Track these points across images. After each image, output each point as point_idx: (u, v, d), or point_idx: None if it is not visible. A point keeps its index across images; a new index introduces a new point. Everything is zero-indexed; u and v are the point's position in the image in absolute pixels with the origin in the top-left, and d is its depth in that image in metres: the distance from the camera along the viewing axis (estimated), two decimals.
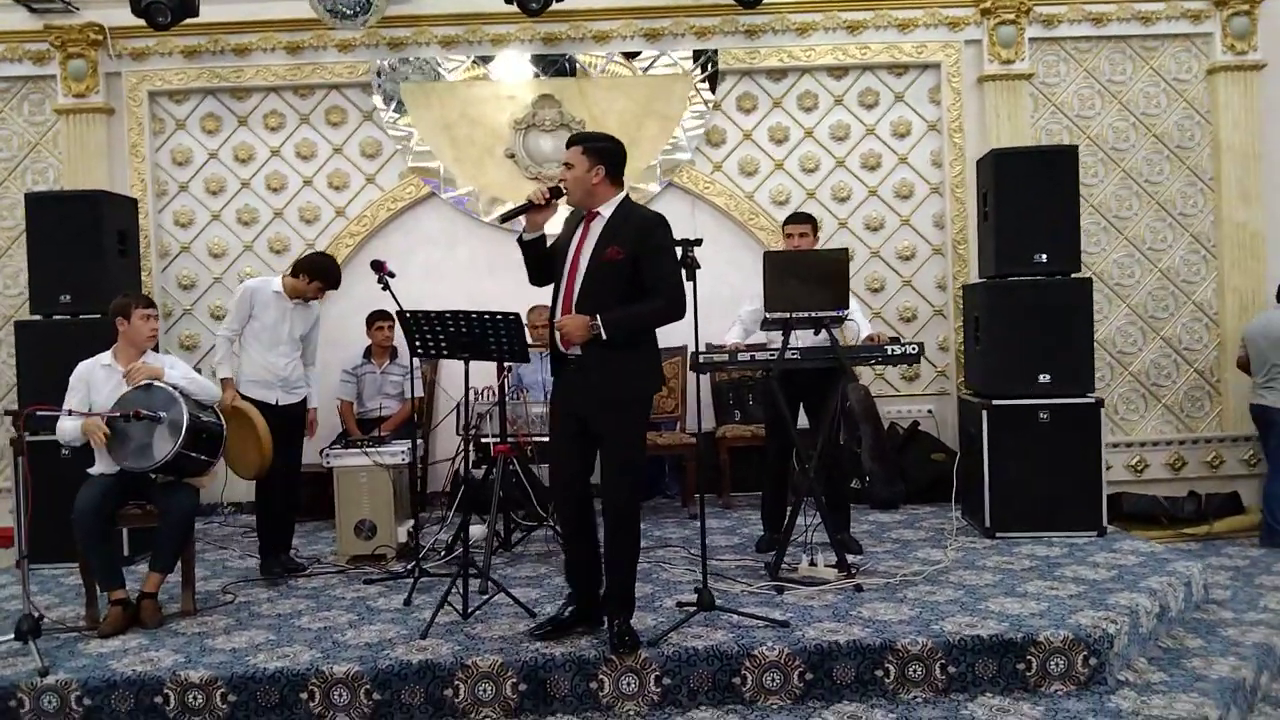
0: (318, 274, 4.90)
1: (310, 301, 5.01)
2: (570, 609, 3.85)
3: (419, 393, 6.36)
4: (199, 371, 4.79)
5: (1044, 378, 5.26)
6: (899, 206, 6.91)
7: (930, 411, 6.81)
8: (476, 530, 5.10)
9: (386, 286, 4.65)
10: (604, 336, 3.53)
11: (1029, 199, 5.34)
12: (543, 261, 3.78)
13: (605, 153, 3.66)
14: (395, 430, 5.92)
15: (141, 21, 6.17)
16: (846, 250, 4.67)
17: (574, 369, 3.66)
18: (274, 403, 4.88)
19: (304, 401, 5.08)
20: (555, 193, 3.67)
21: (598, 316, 3.53)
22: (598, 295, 3.59)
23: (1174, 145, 6.87)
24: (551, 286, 3.76)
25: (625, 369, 3.60)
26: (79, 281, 5.43)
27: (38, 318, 5.54)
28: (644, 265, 3.58)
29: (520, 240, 3.75)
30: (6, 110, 6.76)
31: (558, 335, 3.64)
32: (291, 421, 4.99)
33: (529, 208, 3.69)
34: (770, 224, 6.78)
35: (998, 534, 5.22)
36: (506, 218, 3.92)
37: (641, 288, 3.59)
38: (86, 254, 5.45)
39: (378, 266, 4.67)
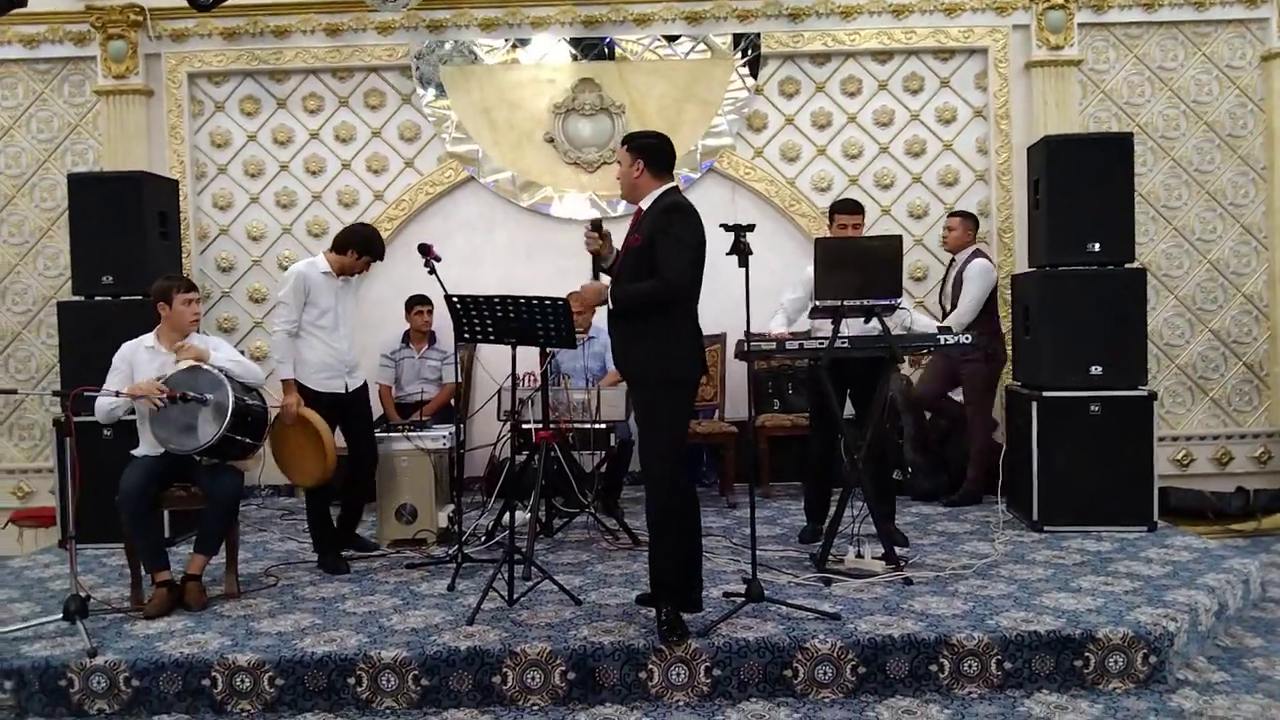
0: (367, 248, 4.71)
1: (351, 280, 4.84)
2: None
3: (456, 379, 6.31)
4: (242, 354, 4.78)
5: (1096, 369, 5.16)
6: (943, 194, 6.80)
7: None
8: (516, 517, 5.07)
9: (433, 270, 4.59)
10: (610, 306, 3.71)
11: (1082, 187, 5.23)
12: None
13: (646, 148, 3.79)
14: (434, 415, 5.89)
15: (181, 2, 6.16)
16: (899, 238, 4.58)
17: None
18: (344, 390, 4.73)
19: (365, 385, 4.94)
20: (596, 225, 3.88)
21: (609, 286, 3.75)
22: (625, 279, 3.73)
23: (1225, 134, 6.72)
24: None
25: (643, 350, 3.69)
26: (120, 262, 5.42)
27: (80, 298, 5.54)
28: (655, 251, 3.65)
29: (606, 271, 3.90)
30: (47, 91, 6.77)
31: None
32: (362, 405, 4.87)
33: (596, 259, 3.89)
34: (812, 210, 6.69)
35: (1045, 528, 5.13)
36: (599, 272, 3.95)
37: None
38: (128, 235, 5.44)
39: (425, 250, 4.61)
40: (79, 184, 5.57)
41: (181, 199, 6.49)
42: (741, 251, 3.85)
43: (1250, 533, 6.06)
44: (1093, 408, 5.14)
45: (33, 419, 6.71)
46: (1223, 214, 6.72)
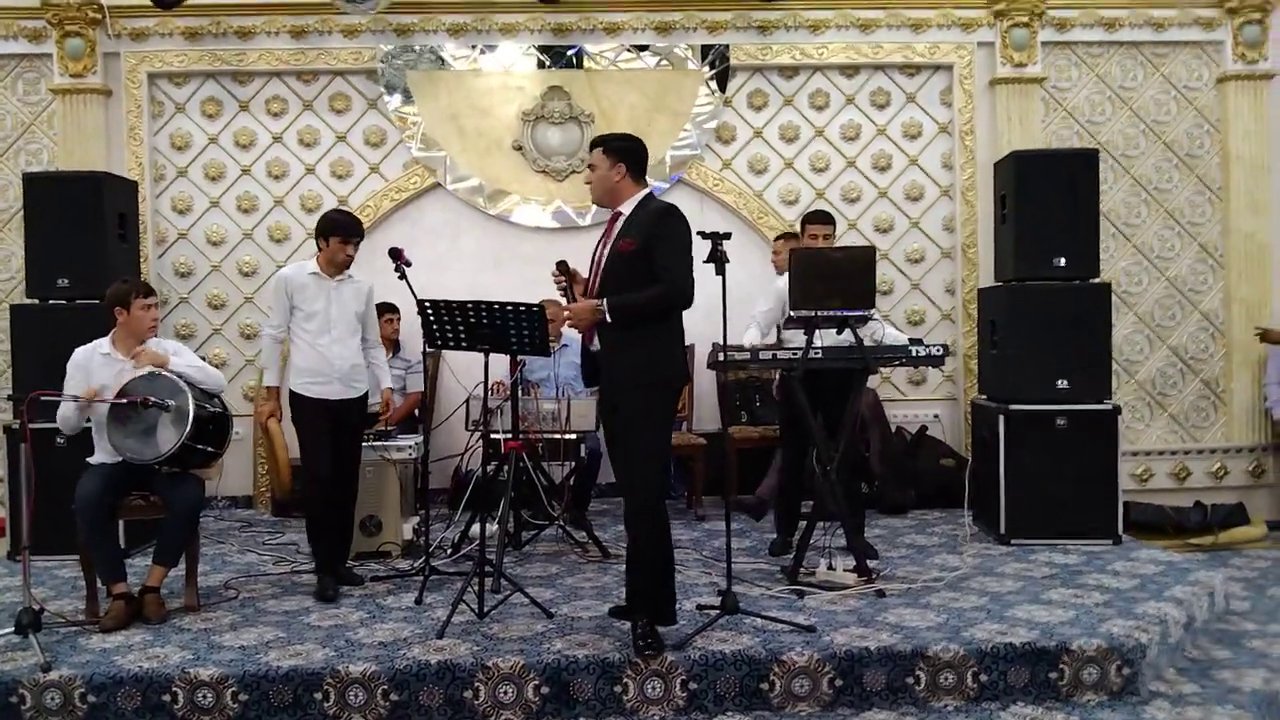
0: (330, 229, 4.42)
1: (354, 278, 4.56)
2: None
3: (421, 387, 6.23)
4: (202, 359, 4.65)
5: (1062, 383, 5.21)
6: (909, 209, 6.86)
7: (937, 416, 6.75)
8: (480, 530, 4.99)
9: (403, 276, 4.51)
10: (608, 319, 3.53)
11: (1048, 202, 5.29)
12: None
13: (626, 151, 3.71)
14: (397, 424, 5.79)
15: (142, 1, 6.02)
16: (873, 249, 4.60)
17: (601, 362, 3.68)
18: (333, 398, 4.43)
19: (365, 397, 4.58)
20: (562, 267, 3.81)
21: (604, 300, 3.55)
22: (613, 288, 3.60)
23: (1183, 153, 6.85)
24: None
25: (636, 353, 3.58)
26: (77, 265, 5.27)
27: (34, 301, 5.37)
28: (652, 254, 3.57)
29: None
30: (0, 90, 6.58)
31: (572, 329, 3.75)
32: (353, 419, 4.53)
33: (568, 293, 3.79)
34: (779, 224, 6.70)
35: (1013, 540, 5.16)
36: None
37: (654, 278, 3.58)
38: (85, 237, 5.29)
39: (396, 254, 4.52)
40: (35, 183, 5.42)
41: (140, 202, 6.35)
42: (719, 260, 3.83)
43: (1209, 547, 6.14)
44: (1059, 421, 5.18)
45: None
46: (1180, 232, 6.85)
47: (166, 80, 6.65)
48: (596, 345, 3.69)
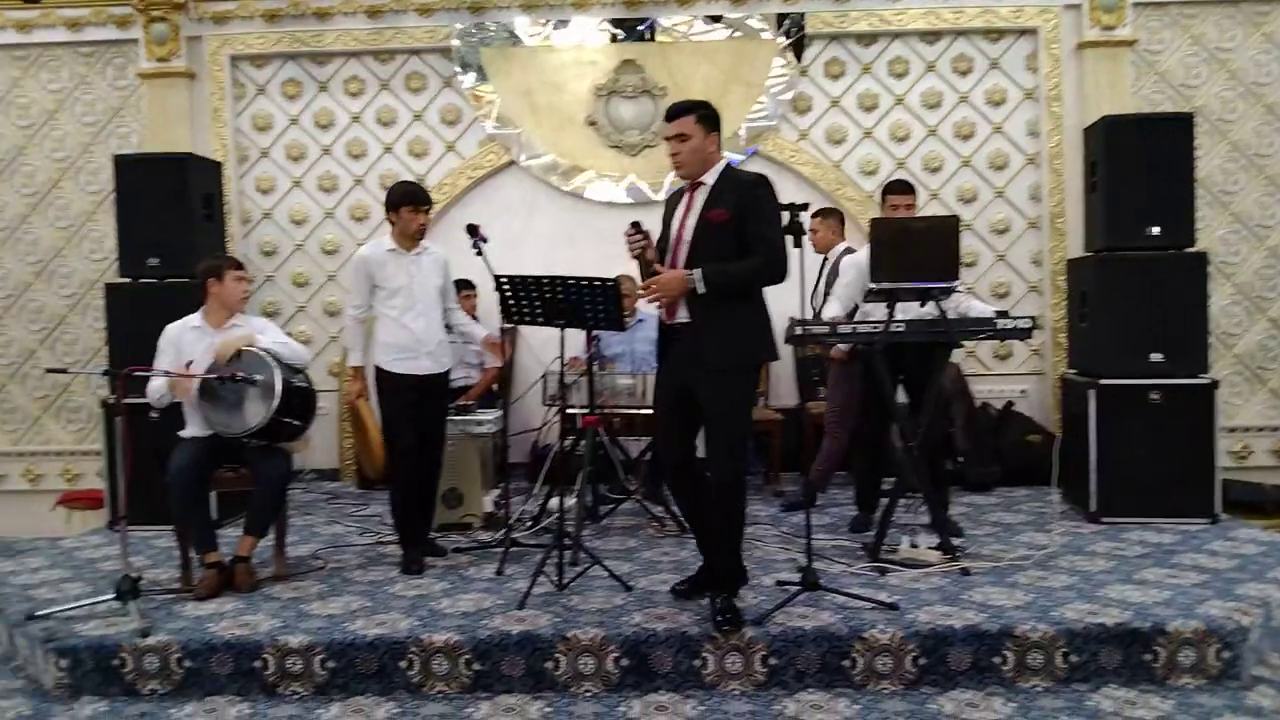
0: (400, 199, 4.39)
1: (430, 249, 4.52)
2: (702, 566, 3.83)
3: (499, 363, 6.26)
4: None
5: (1156, 357, 5.02)
6: (993, 178, 6.66)
7: (1024, 391, 6.58)
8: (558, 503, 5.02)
9: (480, 252, 4.51)
10: (700, 290, 3.43)
11: (1140, 169, 5.08)
12: None
13: (715, 119, 3.60)
14: (477, 399, 5.85)
15: None
16: (956, 218, 4.46)
17: (682, 337, 3.56)
18: (420, 374, 4.40)
19: (448, 372, 4.58)
20: (636, 227, 3.60)
21: (691, 271, 3.44)
22: (704, 259, 3.49)
23: None
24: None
25: (731, 333, 3.49)
26: (166, 245, 5.40)
27: (126, 280, 5.53)
28: (746, 225, 3.48)
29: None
30: (91, 75, 6.78)
31: (658, 303, 3.60)
32: (438, 393, 4.52)
33: (645, 266, 3.61)
34: (858, 194, 6.58)
35: (1103, 519, 5.00)
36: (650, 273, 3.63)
37: (746, 250, 3.49)
38: (173, 217, 5.43)
39: (473, 230, 4.51)
40: (125, 166, 5.55)
41: (224, 183, 6.50)
42: (796, 231, 3.77)
43: None
44: (1152, 396, 5.00)
45: (80, 401, 6.76)
46: None
47: (248, 62, 6.78)
48: (684, 318, 3.54)
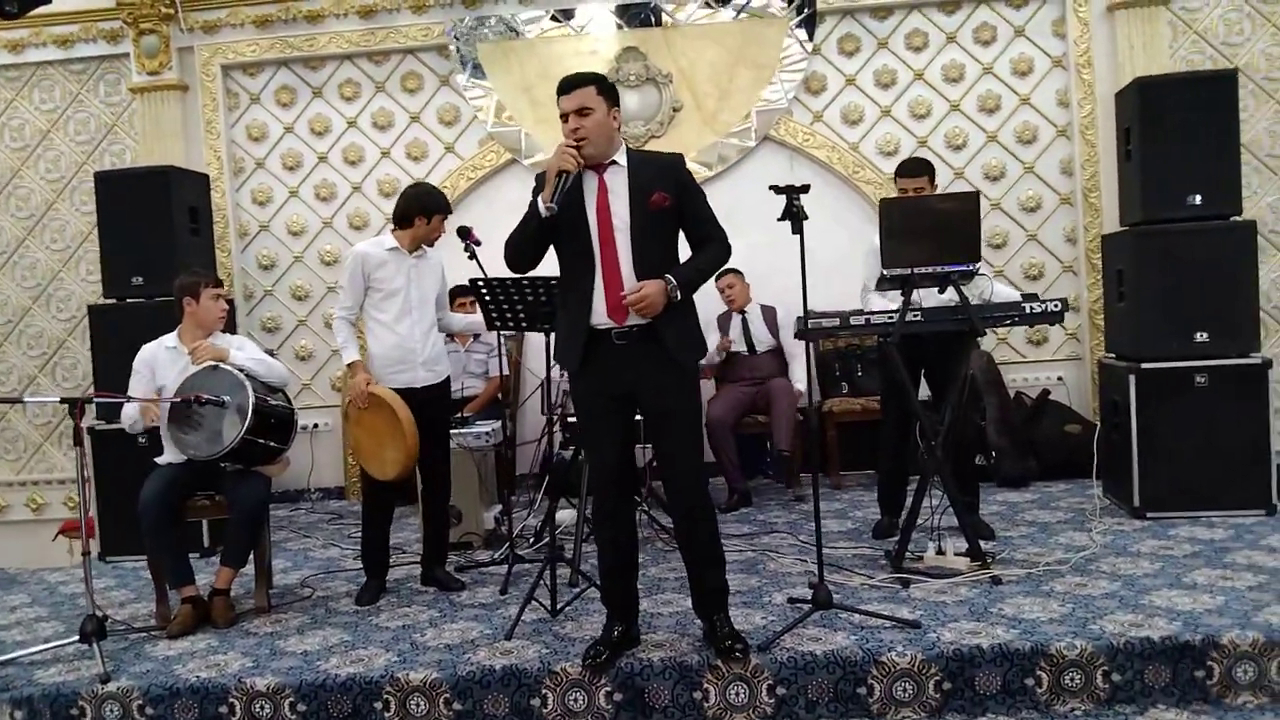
0: (431, 206, 4.11)
1: (429, 254, 4.24)
2: (618, 628, 3.28)
3: (504, 370, 6.00)
4: (271, 354, 4.51)
5: (1201, 336, 4.63)
6: (1021, 153, 6.27)
7: (1061, 379, 6.18)
8: (564, 515, 4.74)
9: (473, 255, 4.22)
10: (678, 298, 3.10)
11: (1179, 134, 4.69)
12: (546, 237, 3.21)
13: (615, 93, 3.20)
14: (480, 411, 5.59)
15: None
16: (976, 195, 4.11)
17: (628, 339, 3.12)
18: (414, 386, 4.12)
19: (447, 381, 4.31)
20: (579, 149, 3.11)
21: (669, 278, 3.08)
22: (655, 252, 3.13)
23: None
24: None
25: (689, 330, 3.22)
26: (151, 262, 5.24)
27: (111, 301, 5.36)
28: (688, 210, 3.19)
29: (545, 216, 3.08)
30: (83, 92, 6.65)
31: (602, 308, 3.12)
32: (436, 406, 4.23)
33: (572, 179, 3.08)
34: (878, 176, 6.23)
35: (1148, 514, 4.62)
36: (561, 199, 3.08)
37: (687, 235, 3.25)
38: (157, 233, 5.27)
39: (464, 233, 4.21)
40: (106, 182, 5.40)
41: (220, 196, 6.37)
42: (795, 217, 3.46)
43: None
44: (1198, 379, 4.61)
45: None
46: None
47: (240, 71, 6.60)
48: (638, 321, 3.09)
